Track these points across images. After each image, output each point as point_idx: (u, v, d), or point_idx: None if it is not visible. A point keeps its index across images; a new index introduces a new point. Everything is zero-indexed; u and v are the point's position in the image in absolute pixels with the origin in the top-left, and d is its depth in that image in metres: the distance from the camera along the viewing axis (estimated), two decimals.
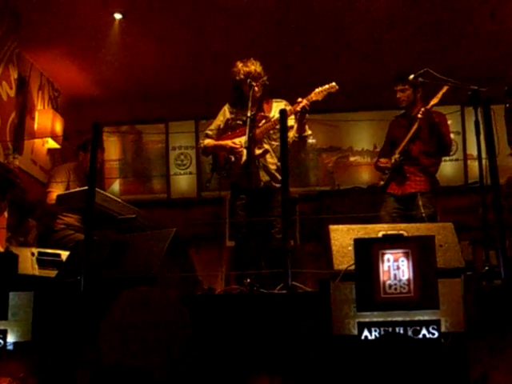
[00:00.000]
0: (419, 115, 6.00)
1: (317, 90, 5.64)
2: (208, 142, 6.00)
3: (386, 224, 4.99)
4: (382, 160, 6.31)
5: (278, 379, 3.64)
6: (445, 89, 5.77)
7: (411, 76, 5.57)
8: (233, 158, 5.75)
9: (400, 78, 6.25)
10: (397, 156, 6.13)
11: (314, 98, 5.60)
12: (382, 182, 6.25)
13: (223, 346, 3.82)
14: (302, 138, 5.79)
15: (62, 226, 6.73)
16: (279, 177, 5.56)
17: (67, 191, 6.42)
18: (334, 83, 5.64)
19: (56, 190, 6.63)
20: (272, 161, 5.79)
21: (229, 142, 5.79)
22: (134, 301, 1.98)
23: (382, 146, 6.72)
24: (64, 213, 6.61)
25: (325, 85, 5.65)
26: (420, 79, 5.49)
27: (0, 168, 6.48)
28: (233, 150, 5.75)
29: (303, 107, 5.56)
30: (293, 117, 5.66)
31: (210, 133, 6.04)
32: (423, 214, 5.88)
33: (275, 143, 5.73)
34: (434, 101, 5.92)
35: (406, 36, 7.92)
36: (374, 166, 6.59)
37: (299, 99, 5.60)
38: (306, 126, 5.78)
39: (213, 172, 5.95)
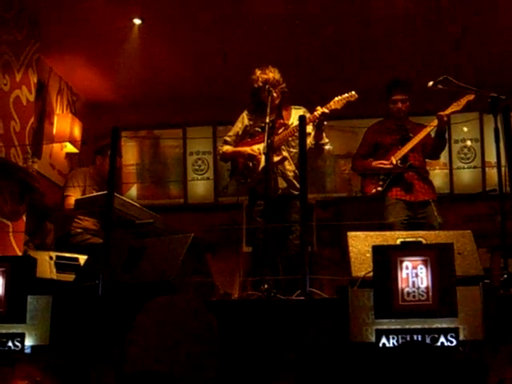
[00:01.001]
0: (445, 118, 5.90)
1: (336, 98, 5.64)
2: (227, 148, 6.01)
3: (404, 231, 4.97)
4: (384, 161, 6.11)
5: None
6: (471, 97, 5.69)
7: (430, 83, 5.53)
8: (251, 165, 5.76)
9: (401, 88, 6.18)
10: (398, 162, 6.05)
11: (333, 107, 5.60)
12: (379, 189, 6.11)
13: (239, 352, 3.81)
14: (318, 146, 5.79)
15: (79, 229, 6.76)
16: (297, 184, 5.57)
17: (86, 196, 6.44)
18: (353, 92, 5.63)
19: (74, 195, 6.66)
20: (290, 168, 5.79)
21: (247, 149, 5.80)
22: (161, 309, 1.97)
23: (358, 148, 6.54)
24: (81, 216, 6.64)
25: (344, 93, 5.65)
26: (439, 86, 5.46)
27: (19, 172, 6.50)
28: (251, 157, 5.76)
29: (322, 114, 5.56)
30: (311, 124, 5.66)
31: (228, 139, 6.05)
32: (439, 221, 5.86)
33: (294, 150, 5.74)
34: (455, 108, 5.83)
35: (424, 44, 7.90)
36: (360, 169, 6.41)
37: (318, 108, 5.61)
38: (324, 134, 5.78)
39: (231, 178, 5.97)
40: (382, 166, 6.12)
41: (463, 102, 5.77)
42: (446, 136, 6.35)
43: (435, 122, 5.96)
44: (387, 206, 6.06)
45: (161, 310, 1.98)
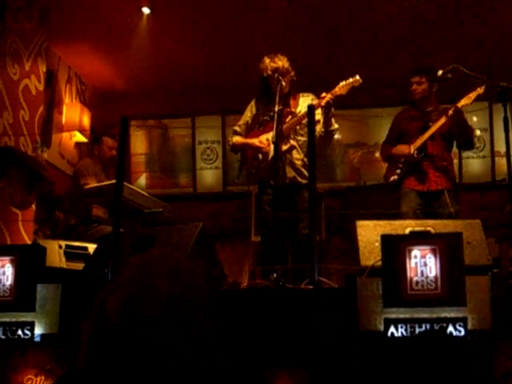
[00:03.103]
0: (450, 112, 5.93)
1: (341, 83, 5.64)
2: (237, 139, 6.00)
3: (413, 220, 4.96)
4: (402, 147, 6.17)
5: (303, 374, 3.64)
6: (481, 90, 5.71)
7: (440, 72, 5.51)
8: (260, 157, 5.75)
9: (418, 70, 6.23)
10: (415, 152, 6.06)
11: (338, 92, 5.60)
12: (395, 177, 6.14)
13: (248, 340, 3.82)
14: (328, 133, 5.78)
15: (94, 217, 6.78)
16: (305, 172, 5.57)
17: (95, 184, 6.45)
18: (357, 77, 5.63)
19: (92, 182, 6.68)
20: (298, 156, 5.78)
21: (256, 142, 5.79)
22: (154, 258, 1.93)
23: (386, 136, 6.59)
24: (95, 205, 6.65)
25: (349, 78, 5.65)
26: (449, 75, 5.45)
27: (28, 161, 6.52)
28: (260, 150, 5.75)
29: (327, 102, 5.56)
30: (319, 111, 5.65)
31: (238, 129, 6.05)
32: (451, 210, 5.85)
33: (302, 139, 5.73)
34: (466, 101, 5.87)
35: (434, 32, 7.87)
36: (385, 156, 6.47)
37: (323, 94, 5.60)
38: (333, 120, 5.77)
39: (241, 168, 5.96)
40: (399, 153, 6.17)
41: (473, 95, 5.80)
42: (472, 125, 6.32)
43: (450, 113, 5.97)
44: (401, 195, 6.11)
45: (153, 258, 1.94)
